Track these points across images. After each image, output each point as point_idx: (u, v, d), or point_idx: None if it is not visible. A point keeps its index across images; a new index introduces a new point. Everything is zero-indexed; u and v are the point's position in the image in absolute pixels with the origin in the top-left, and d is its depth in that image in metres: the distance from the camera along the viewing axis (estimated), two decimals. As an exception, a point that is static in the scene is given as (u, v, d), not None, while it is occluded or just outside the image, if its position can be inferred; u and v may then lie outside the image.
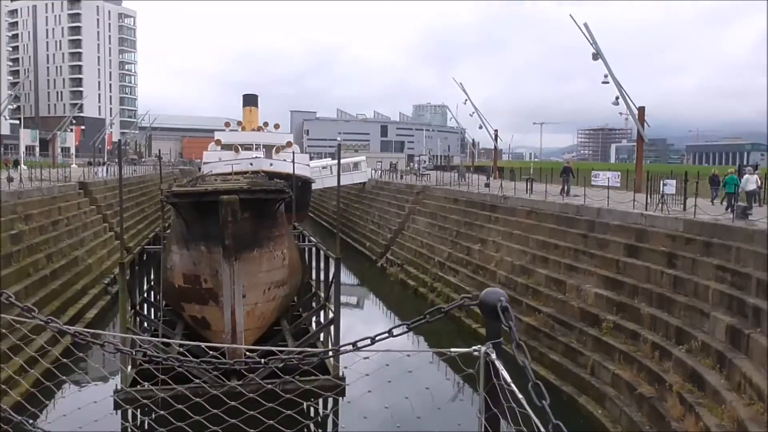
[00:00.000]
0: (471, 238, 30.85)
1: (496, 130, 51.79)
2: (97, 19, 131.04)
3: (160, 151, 33.67)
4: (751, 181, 21.58)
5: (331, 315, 19.93)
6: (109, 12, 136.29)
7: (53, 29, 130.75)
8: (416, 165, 74.06)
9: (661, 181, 21.18)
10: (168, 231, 23.60)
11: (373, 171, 63.15)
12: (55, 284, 24.58)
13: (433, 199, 40.02)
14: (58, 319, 18.15)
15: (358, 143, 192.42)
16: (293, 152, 40.84)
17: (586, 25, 29.47)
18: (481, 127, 51.75)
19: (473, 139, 69.37)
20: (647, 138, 31.44)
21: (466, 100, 51.87)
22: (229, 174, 27.12)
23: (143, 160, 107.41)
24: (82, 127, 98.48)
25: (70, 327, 2.72)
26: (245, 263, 17.37)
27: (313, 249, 25.18)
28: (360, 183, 57.68)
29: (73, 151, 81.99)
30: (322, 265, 23.52)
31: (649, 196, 21.59)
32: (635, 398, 15.34)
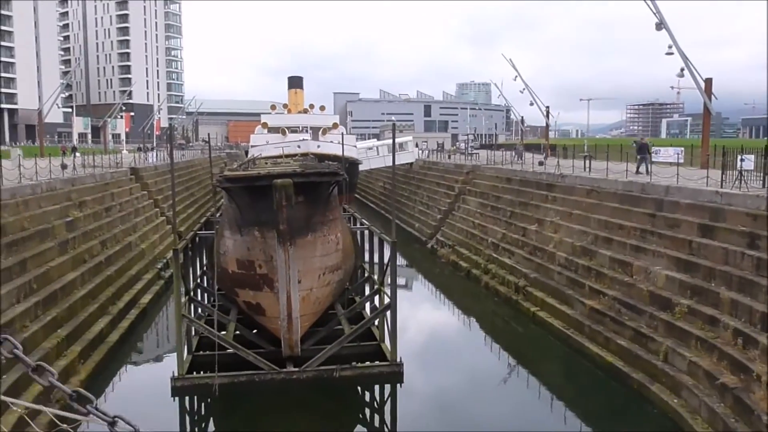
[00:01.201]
0: (526, 218, 29.82)
1: (547, 107, 50.24)
2: (144, 6, 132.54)
3: (209, 135, 33.50)
4: None
5: (387, 300, 19.37)
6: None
7: (102, 17, 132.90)
8: (464, 144, 72.68)
9: (739, 157, 19.79)
10: (220, 216, 23.36)
11: (420, 151, 62.23)
12: (110, 270, 24.69)
13: (485, 179, 38.96)
14: (113, 305, 18.08)
15: (402, 123, 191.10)
16: (342, 133, 40.31)
17: (647, -7, 27.87)
18: (532, 104, 50.25)
19: (522, 117, 67.50)
20: (713, 112, 29.71)
21: (516, 76, 50.34)
22: (279, 156, 26.72)
23: (191, 144, 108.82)
24: (131, 114, 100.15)
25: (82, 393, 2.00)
26: (300, 248, 16.91)
27: (366, 232, 24.62)
28: (407, 163, 56.84)
29: (123, 137, 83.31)
30: (375, 248, 22.98)
31: (723, 172, 20.21)
32: (717, 388, 14.32)
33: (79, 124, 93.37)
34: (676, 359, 16.26)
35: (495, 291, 27.93)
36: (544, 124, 54.85)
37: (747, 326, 14.84)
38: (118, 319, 22.46)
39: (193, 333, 20.01)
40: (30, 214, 21.57)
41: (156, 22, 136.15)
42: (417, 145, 63.89)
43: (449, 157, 56.50)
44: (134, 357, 21.79)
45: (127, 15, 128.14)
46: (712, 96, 28.54)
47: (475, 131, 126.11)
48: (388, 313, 18.77)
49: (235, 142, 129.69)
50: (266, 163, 23.19)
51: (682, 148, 31.24)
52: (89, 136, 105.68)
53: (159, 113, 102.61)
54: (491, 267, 29.66)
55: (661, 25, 28.07)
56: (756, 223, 16.82)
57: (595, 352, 19.36)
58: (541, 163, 36.67)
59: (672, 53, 28.35)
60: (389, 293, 19.40)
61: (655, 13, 28.08)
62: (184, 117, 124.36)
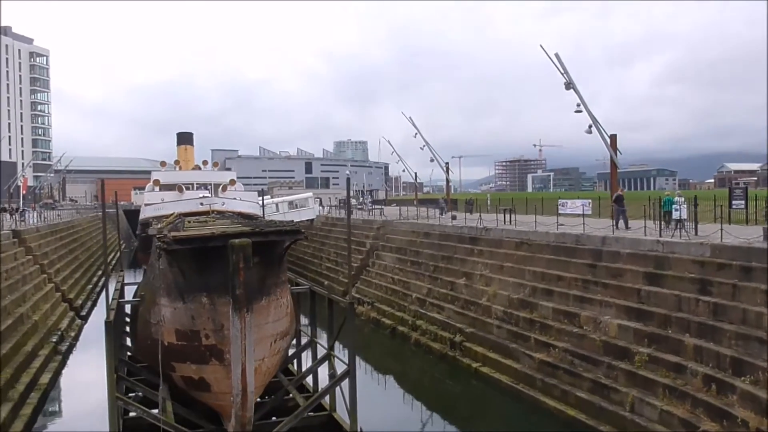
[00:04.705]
0: (453, 272, 29.62)
1: (447, 163, 51.46)
2: (6, 59, 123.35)
3: (116, 194, 30.64)
4: (678, 202, 23.45)
5: (342, 367, 18.07)
6: (20, 51, 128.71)
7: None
8: (365, 200, 72.81)
9: (673, 207, 20.78)
10: (145, 281, 21.08)
11: (321, 208, 61.43)
12: (5, 348, 21.47)
13: (399, 233, 38.69)
14: (12, 389, 15.44)
15: (285, 180, 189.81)
16: (257, 192, 38.67)
17: (557, 55, 29.35)
18: (432, 160, 51.25)
19: (416, 173, 68.80)
20: (619, 165, 31.45)
21: (416, 133, 51.35)
22: (203, 213, 24.87)
23: (59, 204, 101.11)
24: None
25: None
26: (255, 314, 15.36)
27: (307, 293, 23.09)
28: (307, 220, 55.79)
29: (-16, 197, 75.75)
30: (312, 310, 21.67)
31: (659, 222, 21.07)
32: (698, 437, 14.32)
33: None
34: (645, 409, 16.23)
35: (427, 348, 27.21)
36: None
37: (717, 371, 15.11)
38: (19, 405, 19.39)
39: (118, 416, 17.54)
40: None
41: (20, 75, 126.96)
42: (313, 201, 62.98)
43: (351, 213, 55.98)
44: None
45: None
46: (618, 151, 30.22)
47: (364, 187, 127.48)
48: (347, 381, 17.45)
49: (107, 200, 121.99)
50: (189, 222, 21.39)
51: (590, 200, 32.66)
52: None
53: (24, 171, 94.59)
54: (420, 323, 28.99)
55: (569, 85, 29.59)
56: (704, 270, 17.46)
57: (552, 406, 19.04)
58: (454, 218, 37.02)
59: (580, 111, 29.83)
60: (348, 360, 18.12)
61: (563, 74, 29.59)
62: (53, 175, 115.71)
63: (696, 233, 20.40)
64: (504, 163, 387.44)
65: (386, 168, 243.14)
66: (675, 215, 20.51)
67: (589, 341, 19.42)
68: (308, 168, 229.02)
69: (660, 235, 20.31)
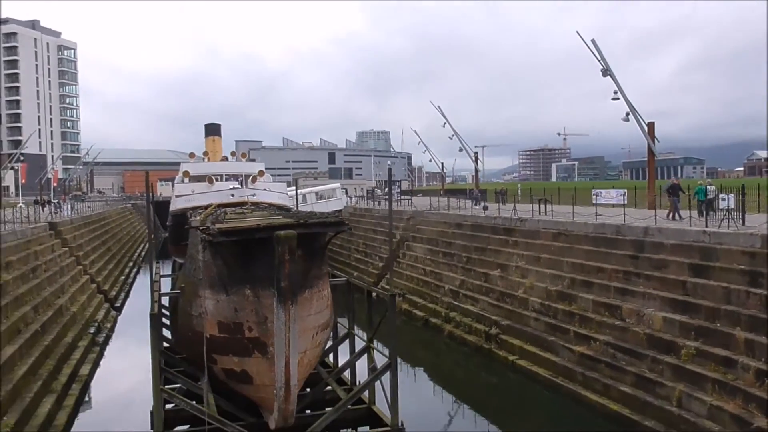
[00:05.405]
0: (487, 263, 29.35)
1: (476, 153, 51.05)
2: (36, 52, 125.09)
3: (153, 186, 30.82)
4: (710, 191, 23.71)
5: (383, 360, 17.99)
6: (48, 44, 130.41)
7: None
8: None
9: (719, 196, 20.31)
10: (183, 272, 21.16)
11: (349, 198, 61.43)
12: (46, 340, 21.76)
13: (430, 224, 38.47)
14: (55, 380, 15.59)
15: (308, 170, 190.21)
16: (286, 183, 38.69)
17: (593, 41, 28.85)
18: (461, 150, 50.86)
19: (442, 163, 68.52)
20: (657, 153, 30.88)
21: (444, 123, 50.99)
22: (240, 204, 24.85)
23: (88, 195, 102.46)
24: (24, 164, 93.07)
25: None
26: (299, 307, 15.31)
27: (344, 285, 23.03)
28: (336, 210, 55.79)
29: (12, 189, 77.01)
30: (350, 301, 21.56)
31: (706, 213, 20.62)
32: (752, 433, 13.97)
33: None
34: (693, 404, 15.89)
35: (462, 340, 27.03)
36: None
37: (770, 366, 14.71)
38: (62, 396, 19.62)
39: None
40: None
41: (49, 69, 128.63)
42: (341, 192, 62.99)
43: (378, 203, 55.95)
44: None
45: (17, 61, 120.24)
46: (655, 139, 29.66)
47: (396, 177, 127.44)
48: (389, 374, 17.36)
49: (132, 192, 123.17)
50: (228, 214, 21.37)
51: (625, 190, 32.15)
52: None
53: (55, 164, 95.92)
54: (453, 315, 28.81)
55: (606, 71, 29.08)
56: (755, 261, 17.01)
57: (594, 400, 18.75)
58: (486, 208, 36.68)
59: (618, 98, 29.38)
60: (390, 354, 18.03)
61: (599, 60, 29.09)
62: (82, 167, 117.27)
63: (743, 223, 19.90)
64: (528, 153, 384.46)
65: (409, 158, 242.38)
66: (722, 204, 20.04)
67: (632, 334, 19.06)
68: (331, 158, 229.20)
69: (706, 226, 19.86)
